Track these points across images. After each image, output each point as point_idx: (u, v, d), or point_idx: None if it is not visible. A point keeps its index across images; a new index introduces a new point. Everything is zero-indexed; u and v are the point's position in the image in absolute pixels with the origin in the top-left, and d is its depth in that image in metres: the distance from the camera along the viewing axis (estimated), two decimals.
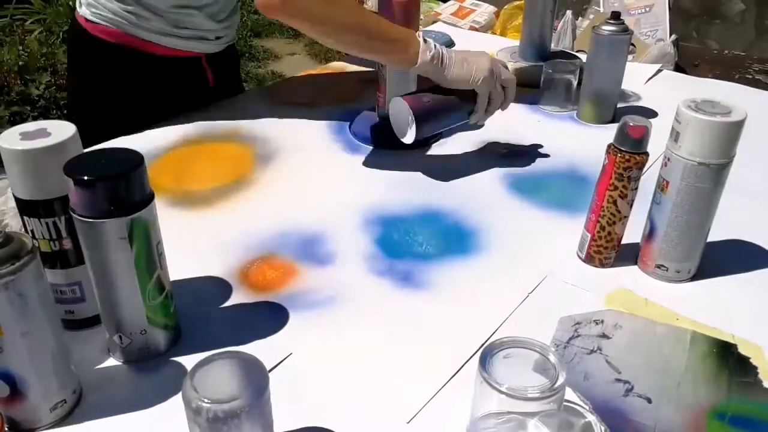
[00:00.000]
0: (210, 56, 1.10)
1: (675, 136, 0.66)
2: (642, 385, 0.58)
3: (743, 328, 0.64)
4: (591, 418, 0.45)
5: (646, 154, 0.68)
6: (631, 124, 0.67)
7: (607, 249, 0.72)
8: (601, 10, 1.55)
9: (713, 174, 0.65)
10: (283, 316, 0.66)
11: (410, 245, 0.77)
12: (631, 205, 0.70)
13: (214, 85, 1.13)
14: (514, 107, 1.14)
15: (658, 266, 0.71)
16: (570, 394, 0.57)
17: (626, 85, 1.08)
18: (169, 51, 1.03)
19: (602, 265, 0.73)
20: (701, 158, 0.64)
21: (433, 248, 0.76)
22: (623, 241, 0.73)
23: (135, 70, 1.03)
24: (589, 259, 0.74)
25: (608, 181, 0.69)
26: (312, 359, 0.60)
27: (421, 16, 2.05)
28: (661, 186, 0.68)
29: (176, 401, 0.55)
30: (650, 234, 0.71)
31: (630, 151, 0.67)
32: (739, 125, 0.64)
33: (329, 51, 3.98)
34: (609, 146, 0.69)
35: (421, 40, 0.86)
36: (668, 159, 0.67)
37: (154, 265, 0.56)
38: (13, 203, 0.60)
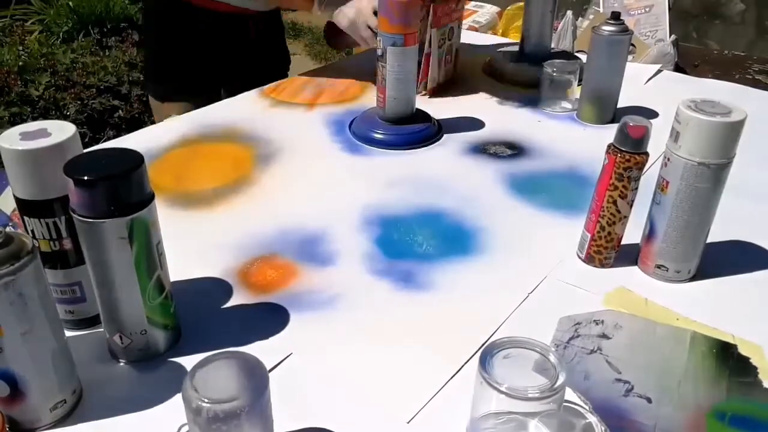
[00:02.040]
0: (262, 14, 1.33)
1: (675, 136, 0.66)
2: (642, 385, 0.58)
3: (743, 328, 0.64)
4: (592, 419, 0.45)
5: (646, 154, 0.68)
6: (632, 124, 0.67)
7: (607, 249, 0.72)
8: (601, 10, 1.55)
9: (713, 174, 0.65)
10: (283, 316, 0.66)
11: (410, 245, 0.77)
12: (631, 205, 0.70)
13: (255, 38, 1.34)
14: (514, 107, 1.15)
15: (658, 266, 0.71)
16: (570, 394, 0.57)
17: (626, 86, 1.08)
18: (235, 8, 1.26)
19: (602, 266, 0.73)
20: (701, 158, 0.64)
21: (433, 248, 0.76)
22: (623, 242, 0.73)
23: (202, 25, 1.27)
24: (589, 259, 0.74)
25: (608, 181, 0.69)
26: (312, 359, 0.60)
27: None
28: (661, 186, 0.68)
29: (176, 401, 0.55)
30: (650, 234, 0.71)
31: (630, 151, 0.67)
32: (738, 125, 0.64)
33: (329, 51, 3.98)
34: (609, 146, 0.69)
35: None
36: (668, 159, 0.67)
37: (154, 265, 0.56)
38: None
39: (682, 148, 0.65)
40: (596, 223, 0.71)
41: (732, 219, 0.82)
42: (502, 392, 0.45)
